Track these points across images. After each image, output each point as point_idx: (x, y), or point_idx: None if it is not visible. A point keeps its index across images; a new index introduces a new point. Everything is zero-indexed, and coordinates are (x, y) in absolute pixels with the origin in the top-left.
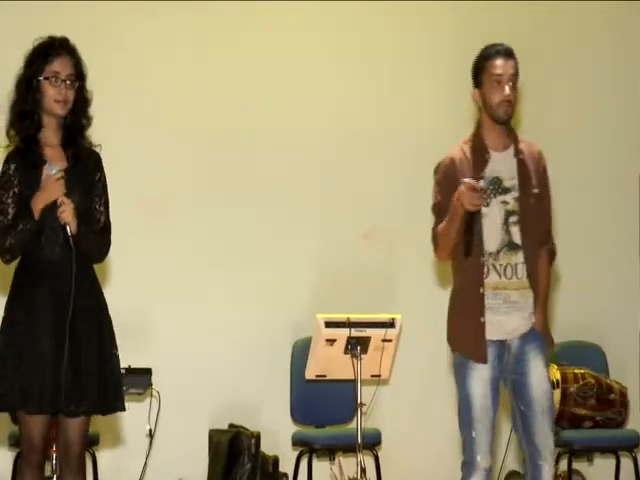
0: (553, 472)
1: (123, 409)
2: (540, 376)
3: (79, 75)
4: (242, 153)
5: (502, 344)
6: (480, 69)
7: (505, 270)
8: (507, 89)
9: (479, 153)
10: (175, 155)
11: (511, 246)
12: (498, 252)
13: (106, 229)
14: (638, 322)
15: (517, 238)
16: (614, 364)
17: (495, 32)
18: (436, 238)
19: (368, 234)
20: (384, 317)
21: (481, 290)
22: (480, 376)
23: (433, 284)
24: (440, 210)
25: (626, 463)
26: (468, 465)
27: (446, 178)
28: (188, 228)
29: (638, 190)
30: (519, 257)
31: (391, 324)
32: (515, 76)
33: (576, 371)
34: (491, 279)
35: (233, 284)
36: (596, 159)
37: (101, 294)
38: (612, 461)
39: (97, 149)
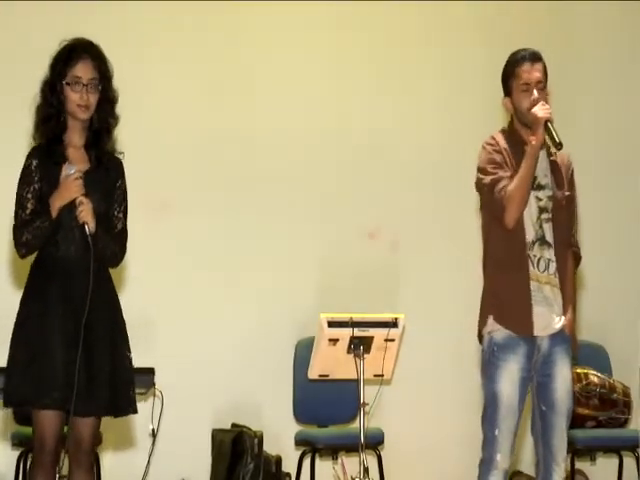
0: (564, 476)
1: (135, 411)
2: (565, 379)
3: (103, 77)
4: (245, 153)
5: (532, 343)
6: (508, 77)
7: (538, 263)
8: (535, 93)
9: (516, 143)
10: (177, 156)
11: (543, 241)
12: (533, 243)
13: (123, 236)
14: None
15: (549, 235)
16: (617, 364)
17: (506, 33)
18: (511, 198)
19: (373, 234)
20: (387, 317)
21: (526, 252)
22: (509, 375)
23: (436, 284)
24: (499, 170)
25: (629, 463)
26: (487, 463)
27: (497, 152)
28: (192, 228)
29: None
30: (550, 253)
31: (394, 324)
32: (544, 80)
33: (579, 371)
34: (530, 269)
35: (236, 284)
36: (609, 159)
37: (116, 296)
38: (615, 461)
39: (120, 156)
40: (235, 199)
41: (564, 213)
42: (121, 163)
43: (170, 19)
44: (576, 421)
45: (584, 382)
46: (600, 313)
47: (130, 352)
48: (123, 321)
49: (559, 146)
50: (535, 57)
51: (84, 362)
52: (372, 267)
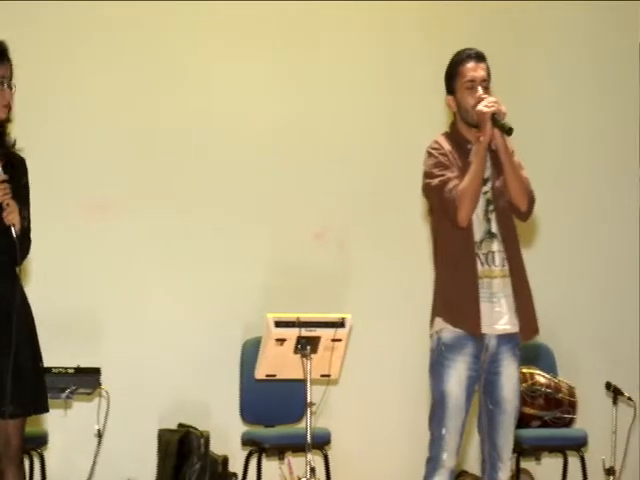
0: (509, 475)
1: (48, 410)
2: (513, 377)
3: (7, 76)
4: (191, 154)
5: (480, 342)
6: (452, 75)
7: (487, 258)
8: (480, 90)
9: (459, 145)
10: (125, 154)
11: (490, 235)
12: (481, 242)
13: (29, 234)
14: (587, 322)
15: (494, 227)
16: (563, 364)
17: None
18: (464, 196)
19: (319, 234)
20: (334, 317)
21: (475, 251)
22: (457, 374)
23: (383, 284)
24: (446, 172)
25: (574, 462)
26: (433, 462)
27: (442, 155)
28: (138, 228)
29: (583, 191)
30: (498, 245)
31: (341, 324)
32: (487, 79)
33: (525, 371)
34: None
35: (183, 284)
36: (560, 156)
37: (26, 295)
38: (560, 460)
39: (21, 153)
40: (182, 199)
41: (503, 198)
42: (24, 161)
43: (102, 17)
44: (522, 421)
45: (530, 382)
46: (546, 313)
47: (40, 350)
48: (34, 320)
49: (510, 132)
50: (480, 57)
51: (14, 365)
52: (319, 267)
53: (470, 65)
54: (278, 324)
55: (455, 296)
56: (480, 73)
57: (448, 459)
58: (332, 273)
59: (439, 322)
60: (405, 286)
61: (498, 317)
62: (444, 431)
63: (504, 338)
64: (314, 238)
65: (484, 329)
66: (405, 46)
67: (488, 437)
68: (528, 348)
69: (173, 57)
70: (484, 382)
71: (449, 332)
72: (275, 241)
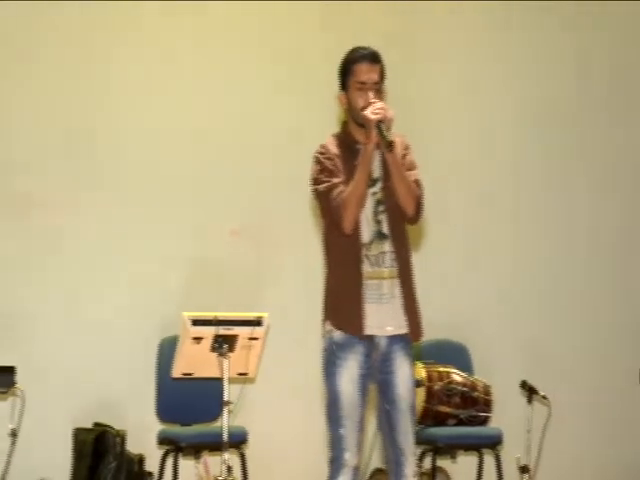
0: (414, 470)
1: None
2: (406, 375)
3: None
4: (114, 153)
5: (370, 341)
6: (345, 73)
7: (377, 259)
8: (371, 94)
9: (348, 146)
10: (52, 152)
11: (380, 236)
12: (370, 243)
13: None
14: (502, 321)
15: (385, 227)
16: (478, 362)
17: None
18: (348, 203)
19: (236, 232)
20: (251, 315)
21: (363, 253)
22: (349, 373)
23: (302, 283)
24: (332, 178)
25: (489, 460)
26: (336, 462)
27: (328, 160)
28: (55, 225)
29: (492, 188)
30: (388, 246)
31: (258, 322)
32: (380, 81)
33: (441, 369)
34: (364, 269)
35: (99, 282)
36: (454, 158)
37: None
38: (475, 458)
39: None
40: (100, 197)
41: (393, 199)
42: None
43: (28, 16)
44: (438, 419)
45: (446, 381)
46: (461, 312)
47: None
48: None
49: (390, 146)
50: (374, 58)
51: None
52: (237, 266)
53: (364, 66)
54: (195, 322)
55: (340, 299)
56: (373, 76)
57: (350, 458)
58: (249, 272)
59: (329, 323)
60: (321, 285)
61: (387, 318)
62: (342, 431)
63: (395, 338)
64: (230, 237)
65: (372, 330)
66: (313, 45)
67: (389, 436)
68: (444, 347)
69: (99, 56)
70: (378, 382)
71: (339, 332)
72: (192, 241)
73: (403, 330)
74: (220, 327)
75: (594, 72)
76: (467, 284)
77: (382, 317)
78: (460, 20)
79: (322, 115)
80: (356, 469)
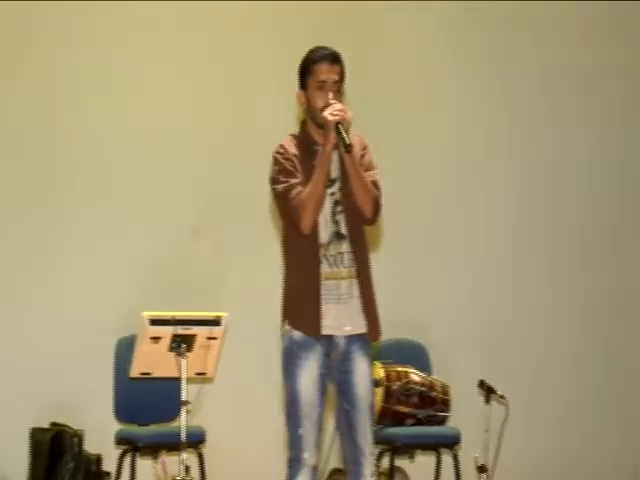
0: (373, 470)
1: None
2: (365, 375)
3: None
4: (65, 151)
5: (329, 341)
6: (305, 72)
7: (335, 259)
8: (330, 95)
9: (307, 146)
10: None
11: (338, 236)
12: (328, 243)
13: None
14: (460, 321)
15: (343, 228)
16: (437, 362)
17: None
18: (306, 204)
19: (196, 232)
20: (210, 315)
21: (321, 254)
22: (308, 372)
23: (260, 283)
24: (290, 178)
25: (447, 460)
26: (295, 462)
27: (287, 160)
28: (7, 224)
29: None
30: (346, 246)
31: (216, 322)
32: (340, 82)
33: (400, 369)
34: (323, 269)
35: (57, 283)
36: (411, 158)
37: None
38: (433, 458)
39: None
40: (54, 198)
41: (351, 200)
42: None
43: None
44: (396, 419)
45: (404, 380)
46: (420, 312)
47: None
48: None
49: (348, 148)
50: (335, 58)
51: None
52: (196, 266)
53: (324, 66)
54: (153, 322)
55: (298, 299)
56: (333, 76)
57: (309, 457)
58: (209, 272)
59: (287, 323)
60: (279, 285)
61: (346, 318)
62: (301, 430)
63: (353, 337)
64: (190, 236)
65: (331, 330)
66: (265, 45)
67: (348, 436)
68: (402, 346)
69: (65, 55)
70: (337, 382)
71: (298, 332)
72: (152, 240)
73: (362, 330)
74: (178, 327)
75: (557, 68)
76: (426, 284)
77: (341, 317)
78: (422, 20)
79: (284, 114)
80: (315, 469)
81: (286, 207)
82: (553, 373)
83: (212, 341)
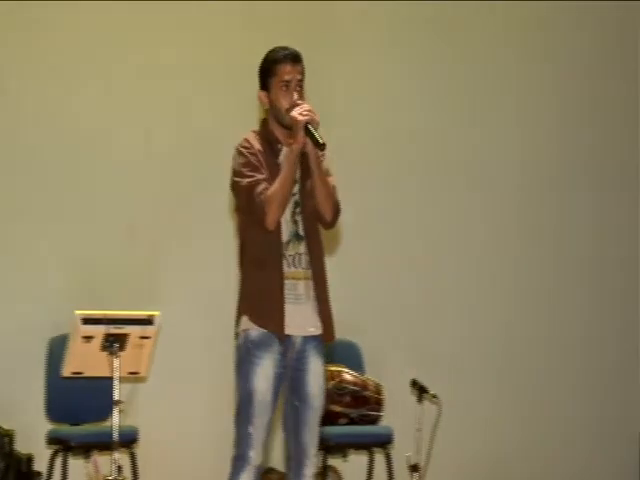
0: (314, 471)
1: None
2: (318, 374)
3: None
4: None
5: (287, 341)
6: (267, 73)
7: (294, 260)
8: (295, 95)
9: (270, 144)
10: None
11: (297, 237)
12: (288, 243)
13: None
14: (393, 320)
15: (301, 228)
16: (370, 362)
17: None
18: (273, 200)
19: (130, 231)
20: (142, 314)
21: (282, 252)
22: (264, 372)
23: (194, 283)
24: (255, 173)
25: (379, 459)
26: (240, 460)
27: (252, 155)
28: None
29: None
30: (303, 247)
31: (149, 321)
32: (302, 80)
33: (332, 368)
34: (284, 268)
35: None
36: (370, 158)
37: None
38: (366, 457)
39: None
40: None
41: (311, 202)
42: None
43: None
44: (329, 418)
45: (337, 380)
46: (353, 312)
47: None
48: None
49: (322, 147)
50: (297, 58)
51: None
52: (130, 265)
53: (287, 66)
54: (86, 321)
55: (261, 297)
56: (296, 76)
57: (255, 457)
58: (142, 271)
59: (245, 321)
60: (214, 284)
61: (303, 319)
62: (251, 429)
63: (309, 338)
64: (125, 235)
65: (289, 330)
66: (223, 44)
67: (294, 434)
68: (336, 346)
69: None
70: (290, 379)
71: (256, 330)
72: (85, 239)
73: (317, 331)
74: (111, 326)
75: (508, 63)
76: (359, 284)
77: (299, 317)
78: (372, 19)
79: (218, 115)
80: (258, 469)
81: (250, 202)
82: (484, 373)
83: (145, 340)
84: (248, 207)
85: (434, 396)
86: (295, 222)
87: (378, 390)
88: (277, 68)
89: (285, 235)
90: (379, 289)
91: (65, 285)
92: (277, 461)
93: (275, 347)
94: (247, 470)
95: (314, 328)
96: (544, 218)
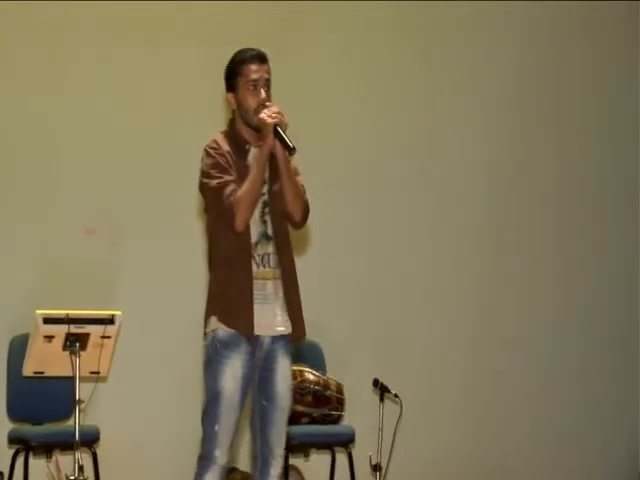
0: (280, 472)
1: None
2: (286, 374)
3: None
4: None
5: (255, 341)
6: (234, 74)
7: (263, 260)
8: (263, 93)
9: (238, 145)
10: None
11: (266, 237)
12: (257, 243)
13: None
14: (355, 320)
15: (270, 229)
16: (331, 361)
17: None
18: (242, 202)
19: (91, 231)
20: (104, 314)
21: (251, 253)
22: (232, 371)
23: (156, 282)
24: (224, 174)
25: (341, 459)
26: (205, 459)
27: (221, 156)
28: None
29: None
30: (272, 248)
31: (111, 321)
32: (269, 80)
33: (295, 368)
34: (252, 268)
35: None
36: (332, 160)
37: None
38: (328, 457)
39: None
40: None
41: (280, 202)
42: None
43: None
44: (291, 418)
45: (299, 379)
46: (315, 311)
47: None
48: None
49: (292, 151)
50: (263, 58)
51: None
52: (91, 265)
53: (253, 66)
54: (46, 321)
55: (230, 297)
56: (264, 75)
57: (221, 456)
58: (104, 270)
59: (214, 321)
60: (178, 284)
61: (272, 319)
62: (217, 428)
63: (277, 337)
64: (85, 234)
65: (258, 330)
66: (183, 45)
67: (261, 433)
68: (297, 345)
69: None
70: (258, 378)
71: (224, 330)
72: (45, 238)
73: (287, 331)
74: (72, 325)
75: (482, 67)
76: (320, 283)
77: (267, 317)
78: (336, 20)
79: (186, 114)
80: (224, 469)
81: (219, 203)
82: (446, 372)
83: (106, 340)
84: (217, 208)
85: (396, 396)
86: (264, 222)
87: (340, 390)
88: (243, 68)
89: (254, 235)
90: (342, 288)
91: (26, 284)
92: (242, 461)
93: (243, 347)
94: (212, 470)
95: (283, 327)
96: (512, 219)
